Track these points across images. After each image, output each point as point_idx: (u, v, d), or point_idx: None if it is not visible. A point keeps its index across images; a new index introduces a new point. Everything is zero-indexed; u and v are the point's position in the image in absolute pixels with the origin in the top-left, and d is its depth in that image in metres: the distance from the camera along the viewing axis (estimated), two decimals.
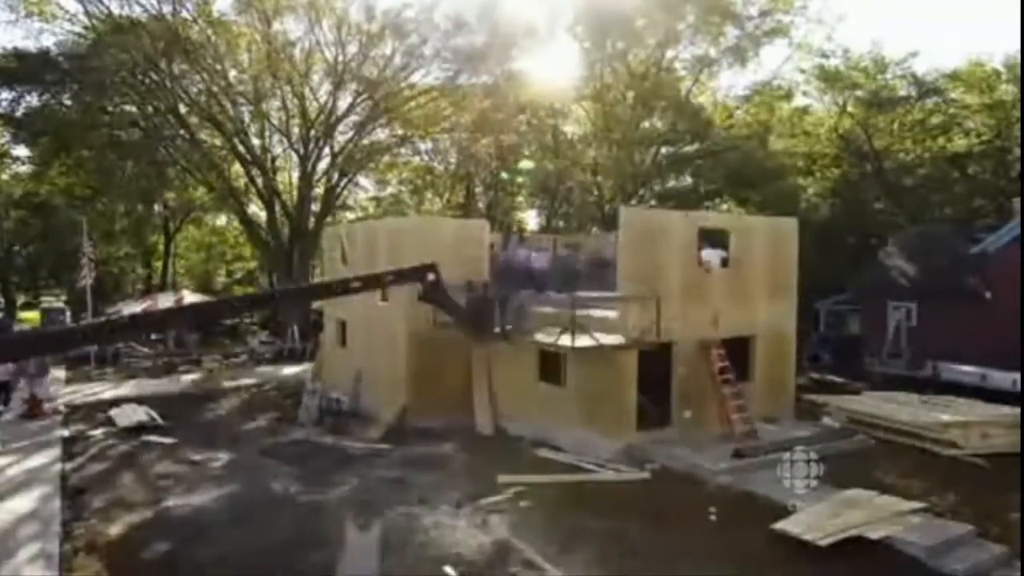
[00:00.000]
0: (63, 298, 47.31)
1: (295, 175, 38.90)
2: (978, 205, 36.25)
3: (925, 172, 36.81)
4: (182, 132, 34.39)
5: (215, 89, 33.33)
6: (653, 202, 38.66)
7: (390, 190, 47.49)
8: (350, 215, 46.37)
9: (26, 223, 43.67)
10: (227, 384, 23.89)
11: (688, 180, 40.92)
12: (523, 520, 11.53)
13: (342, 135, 36.98)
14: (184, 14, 32.11)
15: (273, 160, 38.18)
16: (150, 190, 38.32)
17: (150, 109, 34.07)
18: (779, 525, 10.65)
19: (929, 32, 70.19)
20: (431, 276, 12.95)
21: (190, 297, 32.60)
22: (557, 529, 11.09)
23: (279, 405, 20.66)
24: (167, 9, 31.51)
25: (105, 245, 41.15)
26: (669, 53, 36.76)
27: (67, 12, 31.66)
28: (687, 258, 15.98)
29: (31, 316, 45.33)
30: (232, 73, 34.22)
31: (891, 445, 15.69)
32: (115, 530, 11.28)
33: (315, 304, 30.11)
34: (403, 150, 40.49)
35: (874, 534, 10.24)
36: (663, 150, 37.99)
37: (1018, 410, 15.17)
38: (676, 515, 11.63)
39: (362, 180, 43.98)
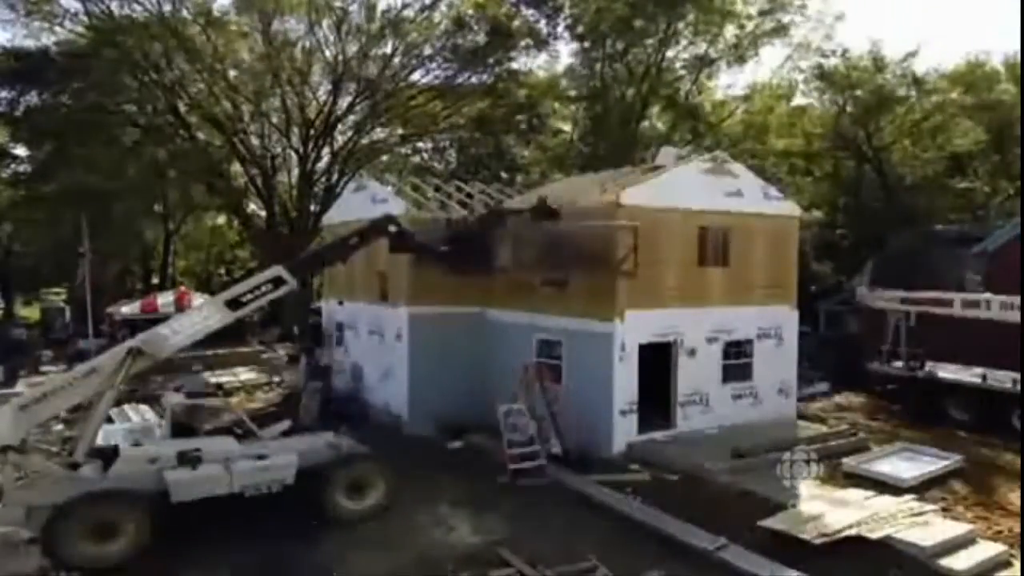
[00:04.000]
0: (62, 297, 47.30)
1: (295, 174, 38.87)
2: (978, 205, 36.32)
3: (924, 172, 36.86)
4: (182, 132, 34.38)
5: (215, 89, 33.31)
6: None
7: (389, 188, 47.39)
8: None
9: (27, 222, 43.56)
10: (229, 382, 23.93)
11: None
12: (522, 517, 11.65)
13: (342, 135, 36.98)
14: (184, 13, 32.10)
15: (273, 159, 38.14)
16: (150, 189, 38.24)
17: (150, 108, 34.04)
18: (766, 522, 10.63)
19: (928, 32, 70.27)
20: (392, 228, 13.00)
21: (197, 298, 32.54)
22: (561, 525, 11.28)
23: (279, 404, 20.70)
24: (167, 8, 31.52)
25: (105, 244, 41.08)
26: (669, 52, 36.80)
27: (67, 11, 31.66)
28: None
29: (31, 313, 45.42)
30: (232, 73, 34.20)
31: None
32: None
33: (313, 304, 30.16)
34: (403, 149, 40.49)
35: (874, 534, 10.25)
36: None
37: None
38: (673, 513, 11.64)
39: None
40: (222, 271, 54.61)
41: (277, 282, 11.51)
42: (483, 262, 14.89)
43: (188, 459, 10.57)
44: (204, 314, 11.11)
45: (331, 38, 34.02)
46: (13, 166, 37.96)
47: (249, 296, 11.34)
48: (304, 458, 11.33)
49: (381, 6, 33.93)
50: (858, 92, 35.82)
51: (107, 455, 10.76)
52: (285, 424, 12.59)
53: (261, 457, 11.08)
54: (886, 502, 11.50)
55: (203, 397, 13.94)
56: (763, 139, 38.27)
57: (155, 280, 47.49)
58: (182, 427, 11.33)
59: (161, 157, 35.46)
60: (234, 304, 11.21)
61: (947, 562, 9.74)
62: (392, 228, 13.12)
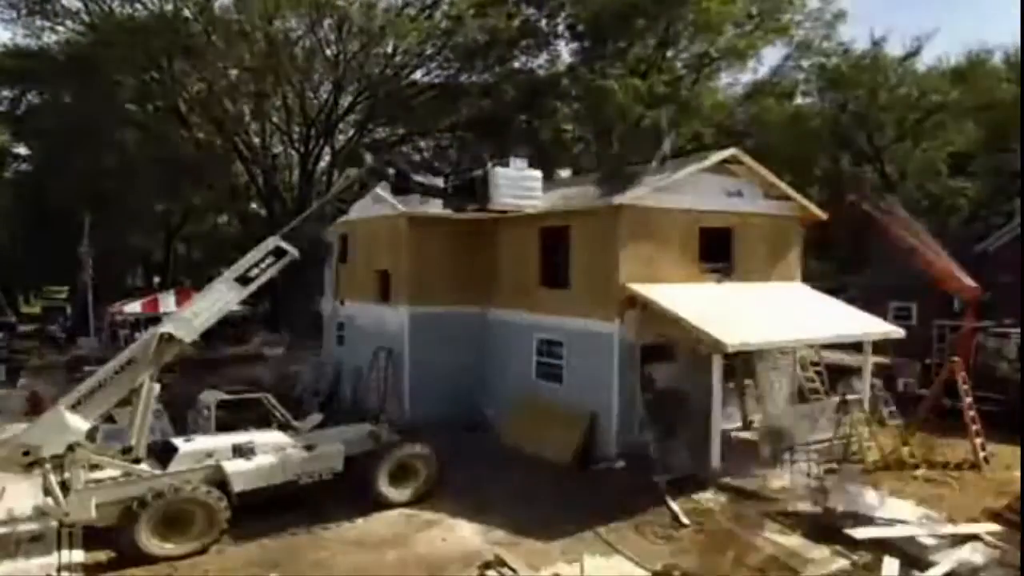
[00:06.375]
0: (63, 296, 47.39)
1: (296, 174, 38.90)
2: (978, 204, 36.28)
3: (925, 171, 36.79)
4: (183, 131, 34.38)
5: (216, 88, 33.31)
6: None
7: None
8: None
9: (29, 220, 43.64)
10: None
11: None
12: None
13: (342, 133, 36.99)
14: (186, 12, 32.09)
15: (274, 158, 38.16)
16: (151, 189, 38.28)
17: (151, 108, 34.06)
18: None
19: (930, 25, 70.14)
20: (391, 170, 12.80)
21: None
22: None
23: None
24: (169, 8, 31.49)
25: (107, 244, 41.24)
26: (668, 52, 36.74)
27: (69, 10, 31.65)
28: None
29: (32, 311, 45.50)
30: (233, 72, 34.20)
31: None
32: None
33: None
34: (404, 148, 40.48)
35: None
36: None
37: None
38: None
39: None
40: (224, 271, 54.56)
41: (278, 253, 11.55)
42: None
43: (242, 451, 11.20)
44: (218, 293, 11.28)
45: (332, 37, 34.02)
46: (15, 165, 38.10)
47: (256, 271, 11.44)
48: (350, 447, 12.02)
49: (382, 5, 33.96)
50: (859, 91, 35.77)
51: (158, 451, 11.13)
52: (318, 417, 13.19)
53: (310, 447, 11.74)
54: None
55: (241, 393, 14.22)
56: (764, 138, 38.17)
57: (157, 279, 47.51)
58: (224, 422, 11.99)
59: (161, 156, 35.53)
60: (244, 280, 11.39)
61: (946, 560, 9.75)
62: (391, 170, 12.88)
